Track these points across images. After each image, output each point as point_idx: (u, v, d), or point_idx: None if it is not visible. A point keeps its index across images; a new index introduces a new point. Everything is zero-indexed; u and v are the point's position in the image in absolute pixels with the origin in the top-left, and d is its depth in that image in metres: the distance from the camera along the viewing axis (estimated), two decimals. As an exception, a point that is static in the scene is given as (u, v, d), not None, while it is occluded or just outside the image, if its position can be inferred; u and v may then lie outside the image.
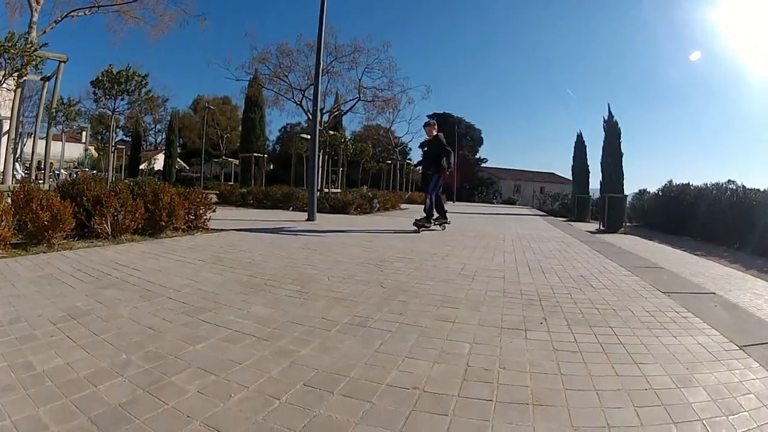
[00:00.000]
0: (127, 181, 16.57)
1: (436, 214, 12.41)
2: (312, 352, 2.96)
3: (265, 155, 44.66)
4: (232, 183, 43.04)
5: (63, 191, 7.93)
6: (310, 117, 22.29)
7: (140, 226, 8.24)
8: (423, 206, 12.87)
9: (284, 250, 7.36)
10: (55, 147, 23.21)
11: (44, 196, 7.13)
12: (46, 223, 6.76)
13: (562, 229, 16.67)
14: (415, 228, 11.68)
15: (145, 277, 5.09)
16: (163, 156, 62.22)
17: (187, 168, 65.73)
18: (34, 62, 12.17)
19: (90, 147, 43.69)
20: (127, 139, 60.67)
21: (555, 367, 2.79)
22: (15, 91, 16.24)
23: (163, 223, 8.59)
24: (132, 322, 3.51)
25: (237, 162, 51.74)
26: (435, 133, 12.68)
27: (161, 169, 59.56)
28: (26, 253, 6.44)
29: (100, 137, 40.73)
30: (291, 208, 19.56)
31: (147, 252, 6.87)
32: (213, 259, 6.41)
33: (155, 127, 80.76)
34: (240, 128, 54.34)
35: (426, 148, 13.34)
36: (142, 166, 58.92)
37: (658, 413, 2.26)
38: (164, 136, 72.90)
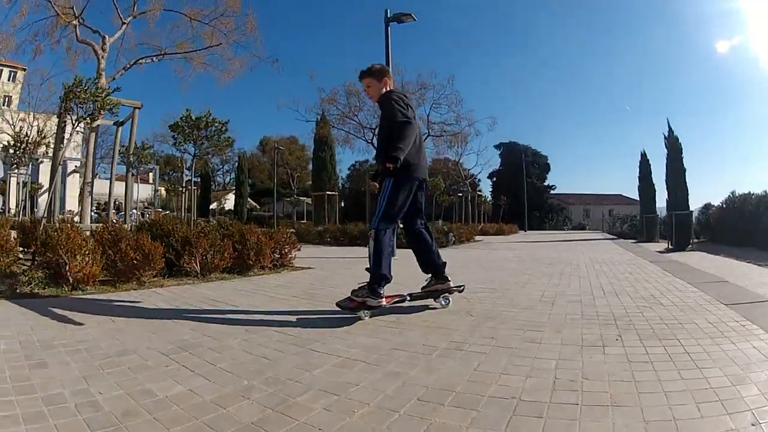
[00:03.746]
0: (214, 221, 17.14)
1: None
2: (419, 373, 3.24)
3: (338, 193, 45.23)
4: (305, 221, 43.56)
5: (153, 233, 8.37)
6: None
7: (228, 265, 8.63)
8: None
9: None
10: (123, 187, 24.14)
11: (133, 236, 7.57)
12: (135, 262, 7.09)
13: (632, 251, 16.69)
14: (353, 313, 5.14)
15: (244, 312, 5.51)
16: (233, 196, 63.25)
17: (258, 207, 66.53)
18: (108, 107, 12.32)
19: (160, 187, 44.90)
20: (195, 179, 62.29)
21: (630, 375, 3.13)
22: (89, 135, 16.90)
23: (251, 262, 8.97)
24: (244, 353, 3.79)
25: (309, 200, 52.19)
26: (384, 90, 5.73)
27: (232, 208, 60.56)
28: (116, 290, 6.82)
29: (167, 178, 42.00)
30: (369, 245, 19.80)
31: (239, 289, 7.23)
32: (305, 295, 6.70)
33: (223, 168, 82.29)
34: (309, 167, 55.10)
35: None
36: (212, 206, 59.98)
37: (716, 406, 2.58)
38: (232, 176, 74.25)
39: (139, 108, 17.89)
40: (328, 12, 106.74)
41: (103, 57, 19.38)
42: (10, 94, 44.94)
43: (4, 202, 30.60)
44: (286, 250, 10.07)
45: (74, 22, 19.71)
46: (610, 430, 2.38)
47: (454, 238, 21.37)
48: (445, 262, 6.02)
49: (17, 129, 32.36)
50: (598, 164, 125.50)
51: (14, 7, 20.62)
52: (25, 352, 3.72)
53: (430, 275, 6.02)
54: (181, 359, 3.59)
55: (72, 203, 36.03)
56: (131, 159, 18.20)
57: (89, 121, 12.70)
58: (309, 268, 10.11)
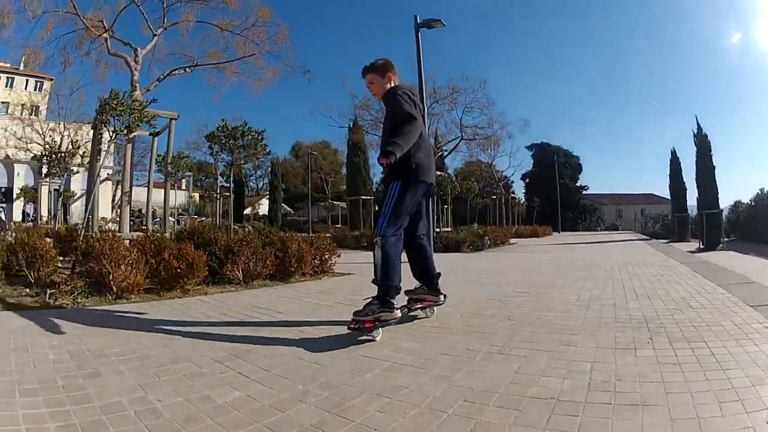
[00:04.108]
0: (249, 227, 17.18)
1: (410, 285, 5.65)
2: (464, 377, 3.40)
3: (372, 197, 45.41)
4: (340, 225, 43.58)
5: (195, 242, 8.52)
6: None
7: (270, 272, 8.77)
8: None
9: (412, 291, 7.78)
10: (159, 194, 24.29)
11: (176, 245, 7.71)
12: (179, 270, 7.25)
13: (663, 252, 16.64)
14: (367, 334, 4.62)
15: (290, 319, 5.60)
16: (266, 201, 63.39)
17: (292, 212, 66.54)
18: (146, 119, 12.63)
19: (194, 194, 45.28)
20: (226, 185, 62.41)
21: (659, 376, 3.29)
22: (126, 147, 17.12)
23: (292, 269, 9.11)
24: (296, 359, 3.91)
25: (343, 205, 52.13)
26: (389, 86, 5.26)
27: (266, 213, 60.70)
28: (160, 298, 6.93)
29: (199, 184, 42.54)
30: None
31: (282, 296, 7.35)
32: (348, 301, 6.64)
33: (255, 173, 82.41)
34: (343, 171, 55.18)
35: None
36: (246, 211, 60.17)
37: (736, 406, 2.74)
38: (265, 181, 74.43)
39: (176, 119, 18.00)
40: (353, 18, 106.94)
41: (136, 69, 19.21)
42: (38, 104, 45.50)
43: (35, 209, 31.19)
44: (326, 257, 10.15)
45: (105, 35, 19.86)
46: (640, 427, 2.56)
47: (489, 242, 21.33)
48: (439, 273, 5.60)
49: (47, 138, 33.04)
50: (597, 165, 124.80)
51: (39, 21, 20.79)
52: (76, 362, 3.82)
53: (421, 283, 5.63)
54: (235, 366, 3.71)
55: (104, 210, 36.44)
56: (170, 169, 18.40)
57: (126, 133, 12.85)
58: (349, 273, 10.28)
